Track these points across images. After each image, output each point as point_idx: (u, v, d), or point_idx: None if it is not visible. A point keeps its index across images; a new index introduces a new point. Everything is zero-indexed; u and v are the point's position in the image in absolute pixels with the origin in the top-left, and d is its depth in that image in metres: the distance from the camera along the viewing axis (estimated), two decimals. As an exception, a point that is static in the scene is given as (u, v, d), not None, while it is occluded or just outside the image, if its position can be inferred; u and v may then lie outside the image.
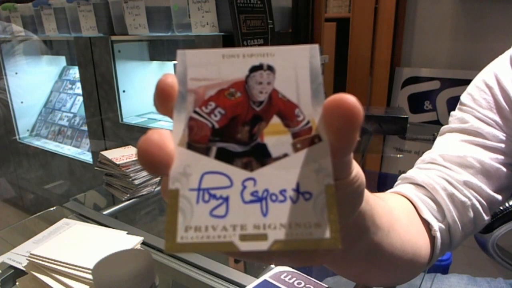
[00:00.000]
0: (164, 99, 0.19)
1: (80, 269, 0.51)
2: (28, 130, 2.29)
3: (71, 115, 2.16)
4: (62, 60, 2.26)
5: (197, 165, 0.18)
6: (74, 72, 2.13)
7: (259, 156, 0.18)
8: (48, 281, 0.51)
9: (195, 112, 0.19)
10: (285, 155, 0.18)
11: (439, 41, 1.51)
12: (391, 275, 0.38)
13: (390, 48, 1.58)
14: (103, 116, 1.75)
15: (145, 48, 1.71)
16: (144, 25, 1.48)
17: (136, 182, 0.92)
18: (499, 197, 0.42)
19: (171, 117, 0.19)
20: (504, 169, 0.41)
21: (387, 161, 1.32)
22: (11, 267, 0.58)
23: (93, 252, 0.55)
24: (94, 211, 0.86)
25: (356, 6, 1.64)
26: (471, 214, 0.40)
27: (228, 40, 1.26)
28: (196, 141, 0.18)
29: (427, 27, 1.53)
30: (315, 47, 0.19)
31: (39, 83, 2.27)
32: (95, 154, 1.82)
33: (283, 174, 0.18)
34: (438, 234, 0.39)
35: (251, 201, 0.17)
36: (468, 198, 0.40)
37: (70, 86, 2.21)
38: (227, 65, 0.19)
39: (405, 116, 1.26)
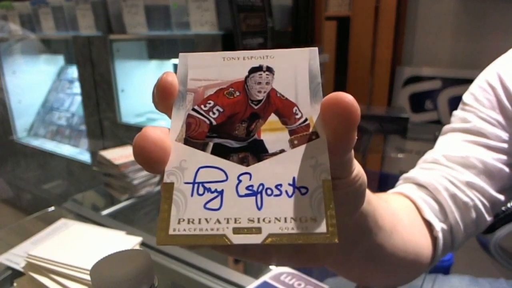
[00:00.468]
0: (164, 97, 0.19)
1: (78, 269, 0.50)
2: (26, 130, 2.28)
3: (69, 114, 2.15)
4: (60, 59, 2.25)
5: (193, 160, 0.18)
6: (72, 71, 2.12)
7: (255, 152, 0.18)
8: (46, 282, 0.51)
9: (194, 109, 0.19)
10: (282, 151, 0.18)
11: (441, 40, 1.51)
12: (392, 276, 0.37)
13: (391, 47, 1.57)
14: (101, 116, 1.75)
15: (143, 47, 1.71)
16: (143, 23, 1.48)
17: (135, 182, 0.92)
18: (502, 197, 0.41)
19: (169, 114, 0.19)
20: (507, 170, 0.41)
21: (388, 161, 1.32)
22: (9, 268, 0.58)
23: (91, 252, 0.55)
24: (92, 212, 0.86)
25: (357, 5, 1.63)
26: (474, 214, 0.40)
27: (228, 39, 1.26)
28: (193, 137, 0.18)
29: (428, 26, 1.53)
30: (314, 49, 0.20)
31: (37, 83, 2.26)
32: (94, 154, 1.81)
33: (279, 169, 0.18)
34: (440, 235, 0.38)
35: (246, 195, 0.17)
36: (471, 198, 0.39)
37: (68, 85, 2.21)
38: (227, 67, 0.20)
39: (406, 116, 1.26)
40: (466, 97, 0.45)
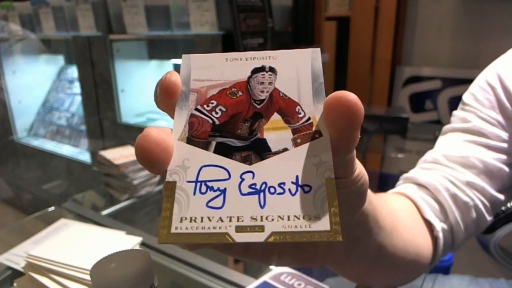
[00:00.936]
0: (167, 96, 0.19)
1: (78, 270, 0.50)
2: (26, 130, 2.28)
3: (69, 114, 2.15)
4: (60, 59, 2.25)
5: (195, 159, 0.18)
6: (72, 71, 2.12)
7: (258, 151, 0.18)
8: (46, 282, 0.50)
9: (197, 109, 0.19)
10: (285, 150, 0.18)
11: (441, 39, 1.51)
12: (393, 276, 0.37)
13: (391, 46, 1.57)
14: (101, 116, 1.75)
15: (144, 47, 1.71)
16: (143, 23, 1.48)
17: (135, 182, 0.92)
18: (502, 197, 0.41)
19: (171, 114, 0.19)
20: (507, 169, 0.41)
21: (388, 161, 1.32)
22: (9, 268, 0.58)
23: (91, 252, 0.55)
24: (92, 212, 0.86)
25: (357, 5, 1.63)
26: (474, 214, 0.40)
27: (228, 39, 1.25)
28: (196, 136, 0.18)
29: (428, 26, 1.53)
30: (317, 50, 0.20)
31: (37, 83, 2.26)
32: (94, 154, 1.81)
33: (282, 167, 0.18)
34: (440, 235, 0.38)
35: (249, 193, 0.17)
36: (471, 198, 0.39)
37: (68, 85, 2.21)
38: (230, 68, 0.20)
39: (406, 116, 1.26)
40: (466, 97, 0.45)
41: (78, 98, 2.03)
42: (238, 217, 0.16)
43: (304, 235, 0.16)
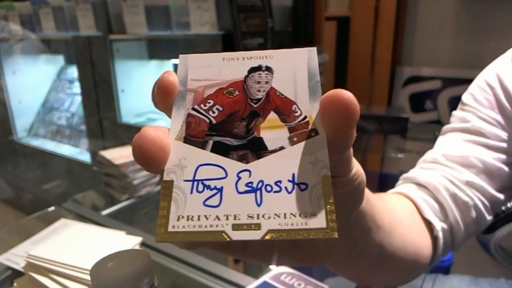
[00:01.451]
0: (164, 95, 0.19)
1: (78, 270, 0.50)
2: (26, 130, 2.28)
3: (69, 114, 2.15)
4: (60, 59, 2.25)
5: (192, 158, 0.18)
6: (72, 71, 2.12)
7: (255, 149, 0.18)
8: (46, 282, 0.51)
9: (194, 109, 0.19)
10: (282, 148, 0.18)
11: (441, 39, 1.51)
12: (392, 276, 0.37)
13: (391, 47, 1.57)
14: (101, 116, 1.75)
15: (143, 47, 1.71)
16: (143, 23, 1.48)
17: (135, 182, 0.92)
18: (502, 196, 0.41)
19: (168, 113, 0.19)
20: (507, 169, 0.41)
21: (388, 161, 1.32)
22: (9, 268, 0.58)
23: (91, 252, 0.55)
24: (92, 212, 0.86)
25: (357, 5, 1.63)
26: (474, 214, 0.40)
27: (228, 39, 1.26)
28: (193, 135, 0.19)
29: (428, 26, 1.53)
30: (313, 49, 0.20)
31: (37, 83, 2.26)
32: (94, 154, 1.81)
33: (279, 165, 0.18)
34: (440, 234, 0.38)
35: (246, 192, 0.17)
36: (471, 198, 0.39)
37: (68, 85, 2.21)
38: (227, 67, 0.20)
39: (406, 116, 1.26)
40: (465, 97, 0.45)
41: (78, 98, 2.03)
42: (234, 215, 0.17)
43: (300, 233, 0.16)
